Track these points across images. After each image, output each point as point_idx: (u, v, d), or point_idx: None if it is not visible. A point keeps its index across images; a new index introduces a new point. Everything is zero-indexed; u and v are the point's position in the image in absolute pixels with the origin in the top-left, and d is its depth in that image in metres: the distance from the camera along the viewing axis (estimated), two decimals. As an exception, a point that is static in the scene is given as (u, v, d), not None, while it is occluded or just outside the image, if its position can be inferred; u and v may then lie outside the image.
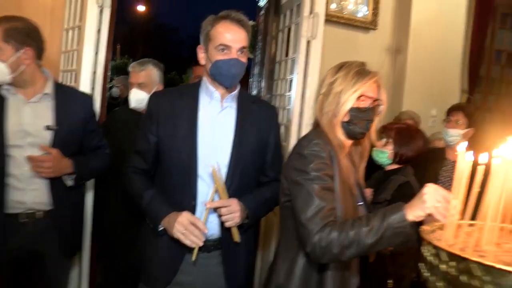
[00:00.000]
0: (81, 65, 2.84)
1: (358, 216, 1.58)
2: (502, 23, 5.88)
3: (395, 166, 2.61)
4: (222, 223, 1.98)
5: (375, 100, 1.78)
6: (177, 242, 1.94)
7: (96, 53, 2.84)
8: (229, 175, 2.02)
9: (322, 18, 3.11)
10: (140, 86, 3.01)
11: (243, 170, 2.05)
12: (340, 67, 1.79)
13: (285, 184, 1.76)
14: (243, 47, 1.98)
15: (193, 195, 2.00)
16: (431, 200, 1.38)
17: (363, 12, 4.86)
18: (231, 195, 1.98)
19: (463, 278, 1.07)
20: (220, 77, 1.99)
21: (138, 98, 2.96)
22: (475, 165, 1.23)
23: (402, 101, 4.90)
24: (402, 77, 4.96)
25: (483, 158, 1.22)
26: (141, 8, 30.02)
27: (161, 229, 1.98)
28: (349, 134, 1.79)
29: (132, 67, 3.11)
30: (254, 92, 4.38)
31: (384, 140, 2.63)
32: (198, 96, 2.07)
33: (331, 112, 1.76)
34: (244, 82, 4.84)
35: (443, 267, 1.14)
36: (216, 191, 1.96)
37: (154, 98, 2.12)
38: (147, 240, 2.11)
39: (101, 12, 2.83)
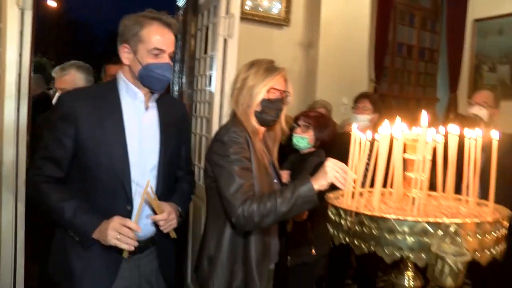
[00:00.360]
0: (5, 68, 2.82)
1: (274, 190, 1.86)
2: (401, 20, 6.47)
3: (310, 150, 2.91)
4: (154, 223, 1.98)
5: (283, 92, 2.07)
6: (111, 249, 1.84)
7: (20, 55, 2.82)
8: (160, 177, 2.00)
9: (237, 18, 3.34)
10: (64, 91, 2.90)
11: (170, 169, 2.07)
12: (252, 64, 2.07)
13: (209, 167, 2.01)
14: (172, 52, 1.97)
15: (129, 200, 1.91)
16: (331, 171, 1.70)
17: (277, 8, 5.17)
18: (161, 195, 1.98)
19: (357, 228, 1.36)
20: (152, 80, 1.91)
21: None
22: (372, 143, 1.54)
23: (315, 91, 5.29)
24: (315, 69, 5.35)
25: (369, 136, 1.52)
26: (52, 3, 28.69)
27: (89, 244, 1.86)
28: (262, 122, 2.07)
29: (54, 72, 3.09)
30: (176, 88, 4.55)
31: (301, 128, 2.92)
32: (119, 97, 1.95)
33: (245, 103, 2.04)
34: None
35: (342, 222, 1.43)
36: (147, 203, 1.94)
37: (68, 99, 1.91)
38: (74, 255, 1.91)
39: (22, 14, 2.82)
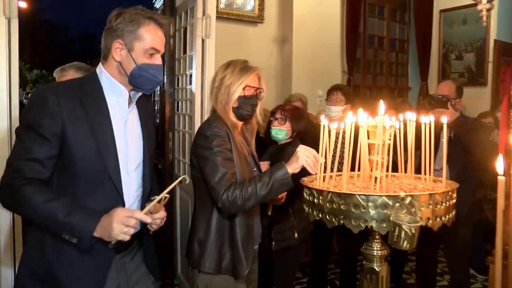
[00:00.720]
0: None
1: (254, 176, 2.08)
2: (371, 12, 6.72)
3: (287, 141, 3.12)
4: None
5: (257, 89, 2.30)
6: (100, 249, 1.77)
7: (9, 63, 2.96)
8: (145, 175, 1.97)
9: (213, 19, 3.52)
10: None
11: (151, 168, 2.04)
12: (228, 65, 2.30)
13: (194, 160, 2.22)
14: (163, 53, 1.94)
15: (121, 200, 1.84)
16: (302, 156, 1.95)
17: (251, 5, 5.36)
18: (148, 193, 1.98)
19: (328, 205, 1.58)
20: (144, 80, 1.84)
21: None
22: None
23: (291, 84, 5.51)
24: (289, 64, 5.57)
25: (334, 125, 1.73)
26: (22, 4, 28.26)
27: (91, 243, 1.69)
28: (239, 117, 2.29)
29: (55, 73, 3.11)
30: (157, 87, 4.72)
31: (278, 121, 3.12)
32: (103, 94, 1.85)
33: (224, 100, 2.25)
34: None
35: (315, 201, 1.65)
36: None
37: (51, 95, 1.72)
38: (55, 261, 1.77)
39: (9, 22, 2.93)
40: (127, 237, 1.63)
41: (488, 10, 2.29)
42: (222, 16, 4.97)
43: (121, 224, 1.61)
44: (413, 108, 5.00)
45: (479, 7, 2.33)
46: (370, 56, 6.88)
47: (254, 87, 2.28)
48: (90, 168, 1.76)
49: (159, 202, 1.77)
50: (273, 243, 2.90)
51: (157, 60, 1.86)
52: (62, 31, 37.98)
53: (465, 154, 3.30)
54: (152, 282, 2.05)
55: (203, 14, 3.55)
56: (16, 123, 2.99)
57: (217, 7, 4.68)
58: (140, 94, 1.95)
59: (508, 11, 6.28)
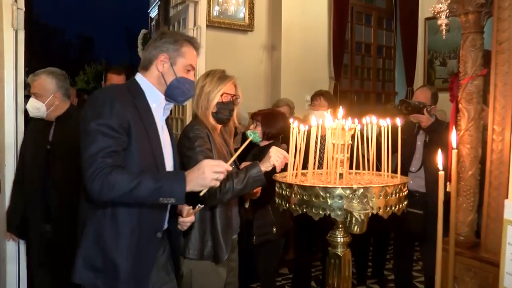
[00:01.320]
0: (4, 86, 3.20)
1: (231, 173, 2.33)
2: (358, 20, 6.98)
3: (266, 142, 3.36)
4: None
5: (233, 96, 2.57)
6: (153, 238, 2.02)
7: (16, 71, 3.21)
8: None
9: (204, 29, 3.79)
10: (36, 95, 3.09)
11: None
12: (207, 74, 2.57)
13: (178, 159, 2.44)
14: None
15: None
16: (274, 156, 2.22)
17: (243, 12, 5.61)
18: None
19: (293, 196, 1.84)
20: (179, 92, 2.09)
21: (33, 107, 3.07)
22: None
23: (280, 90, 5.76)
24: (278, 70, 5.82)
25: (303, 128, 1.98)
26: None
27: (202, 194, 1.93)
28: (218, 120, 2.56)
29: (28, 78, 3.28)
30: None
31: (253, 124, 3.39)
32: (148, 101, 2.05)
33: (204, 106, 2.52)
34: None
35: (284, 193, 1.90)
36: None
37: (116, 95, 1.93)
38: (114, 247, 1.92)
39: (16, 34, 3.17)
40: (218, 183, 1.87)
41: (446, 25, 2.54)
42: (214, 25, 5.22)
43: (212, 172, 1.83)
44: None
45: (439, 21, 2.59)
46: (358, 62, 7.12)
47: (230, 94, 2.55)
48: (144, 167, 1.94)
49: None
50: (254, 237, 3.15)
51: (192, 76, 2.13)
52: (59, 35, 38.05)
53: (445, 161, 3.54)
54: (171, 278, 2.26)
55: (194, 24, 3.81)
56: (21, 129, 3.24)
57: (209, 16, 4.95)
58: (171, 105, 2.19)
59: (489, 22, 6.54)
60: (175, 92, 2.09)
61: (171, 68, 2.06)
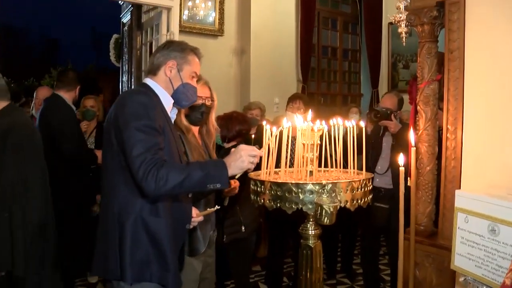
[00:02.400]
0: None
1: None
2: (324, 25, 7.21)
3: (232, 143, 3.49)
4: None
5: (205, 98, 2.69)
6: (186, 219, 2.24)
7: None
8: None
9: (177, 35, 3.92)
10: None
11: None
12: None
13: None
14: None
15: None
16: (246, 160, 2.24)
17: (212, 16, 5.76)
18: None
19: (268, 192, 2.00)
20: (184, 97, 2.24)
21: None
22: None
23: (250, 93, 5.93)
24: (248, 74, 6.00)
25: (276, 130, 2.15)
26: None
27: (238, 176, 2.07)
28: (191, 122, 2.68)
29: None
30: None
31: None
32: (163, 105, 2.19)
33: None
34: (116, 90, 5.51)
35: (257, 189, 2.07)
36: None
37: (149, 99, 2.06)
38: (164, 239, 2.05)
39: None
40: (253, 166, 2.01)
41: (406, 33, 2.75)
42: (185, 30, 5.34)
43: (249, 156, 1.97)
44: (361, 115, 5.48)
45: (399, 29, 2.80)
46: (324, 65, 7.35)
47: (202, 97, 2.65)
48: None
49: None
50: (225, 236, 3.29)
51: (195, 83, 2.29)
52: (22, 36, 37.08)
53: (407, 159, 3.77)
54: None
55: (167, 30, 3.94)
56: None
57: (180, 21, 5.07)
58: (175, 110, 2.34)
59: (442, 32, 6.86)
60: (180, 96, 2.23)
61: (178, 74, 2.20)
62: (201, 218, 2.33)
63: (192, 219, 2.28)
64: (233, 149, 2.03)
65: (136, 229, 2.00)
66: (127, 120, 1.96)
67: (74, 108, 3.86)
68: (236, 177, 2.07)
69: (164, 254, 2.03)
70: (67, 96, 3.76)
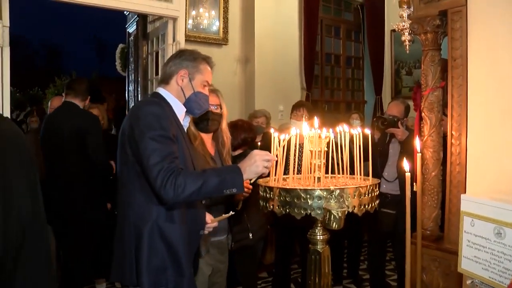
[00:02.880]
0: None
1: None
2: (327, 33, 7.28)
3: (238, 152, 3.51)
4: None
5: (214, 106, 2.73)
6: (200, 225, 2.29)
7: (2, 88, 3.33)
8: None
9: (183, 45, 3.97)
10: None
11: None
12: None
13: None
14: None
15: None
16: (260, 165, 2.29)
17: (216, 25, 5.84)
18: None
19: (277, 198, 2.04)
20: (196, 105, 2.28)
21: None
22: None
23: (254, 101, 5.98)
24: (252, 82, 6.06)
25: (283, 137, 2.20)
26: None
27: (253, 181, 2.15)
28: (200, 129, 2.74)
29: None
30: (132, 105, 5.13)
31: None
32: (176, 114, 2.23)
33: None
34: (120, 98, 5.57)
35: (266, 195, 2.11)
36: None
37: (161, 109, 2.11)
38: (180, 244, 2.10)
39: (1, 51, 3.31)
40: (267, 171, 2.07)
41: (410, 41, 2.81)
42: (190, 39, 5.40)
43: (263, 161, 2.03)
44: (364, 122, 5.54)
45: (403, 38, 2.86)
46: (328, 72, 7.41)
47: (211, 105, 2.66)
48: None
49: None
50: (232, 243, 3.33)
51: (207, 91, 2.33)
52: (26, 45, 37.21)
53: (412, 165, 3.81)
54: None
55: (173, 40, 3.99)
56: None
57: (185, 30, 5.14)
58: (188, 117, 2.39)
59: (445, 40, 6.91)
60: (192, 105, 2.28)
61: (189, 83, 2.25)
62: (215, 224, 2.37)
63: (207, 225, 2.32)
64: (248, 156, 2.06)
65: (153, 237, 2.05)
66: (142, 131, 2.00)
67: None
68: (252, 181, 2.13)
69: (179, 260, 2.07)
70: (81, 105, 3.82)
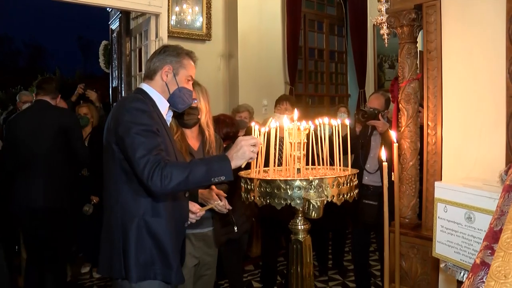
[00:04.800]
0: None
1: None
2: (310, 27, 7.33)
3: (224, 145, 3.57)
4: None
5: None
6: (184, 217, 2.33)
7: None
8: None
9: (166, 40, 3.99)
10: None
11: None
12: None
13: None
14: None
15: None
16: (247, 150, 2.19)
17: (199, 21, 5.86)
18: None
19: (257, 189, 2.09)
20: (180, 100, 2.30)
21: None
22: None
23: (238, 96, 6.02)
24: (236, 77, 6.09)
25: (264, 129, 2.24)
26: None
27: (244, 166, 2.11)
28: (181, 125, 2.77)
29: None
30: (115, 102, 5.14)
31: None
32: (159, 109, 2.25)
33: None
34: (107, 93, 5.58)
35: (247, 187, 2.16)
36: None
37: (142, 103, 2.12)
38: (164, 237, 2.13)
39: None
40: (255, 155, 2.07)
41: (388, 34, 2.87)
42: (173, 35, 5.41)
43: (250, 146, 2.03)
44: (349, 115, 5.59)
45: (382, 31, 2.92)
46: (311, 67, 7.46)
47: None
48: None
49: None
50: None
51: (190, 86, 2.35)
52: (8, 43, 36.73)
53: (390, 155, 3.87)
54: None
55: (156, 36, 4.01)
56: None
57: (168, 27, 5.15)
58: (171, 112, 2.39)
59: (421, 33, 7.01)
60: (176, 100, 2.31)
61: (174, 78, 2.28)
62: (203, 213, 2.44)
63: (197, 214, 2.41)
64: (234, 143, 2.07)
65: (140, 232, 2.09)
66: (127, 127, 2.03)
67: None
68: (243, 166, 2.13)
69: (166, 254, 2.11)
70: (52, 103, 3.81)
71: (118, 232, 2.11)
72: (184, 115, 2.75)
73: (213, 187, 2.79)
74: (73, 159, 3.82)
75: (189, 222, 2.39)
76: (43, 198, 3.61)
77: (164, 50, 2.31)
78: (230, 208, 2.76)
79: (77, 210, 4.05)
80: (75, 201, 3.86)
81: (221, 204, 2.69)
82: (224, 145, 3.51)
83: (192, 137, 2.87)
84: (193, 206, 2.44)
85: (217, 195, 2.73)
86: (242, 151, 2.04)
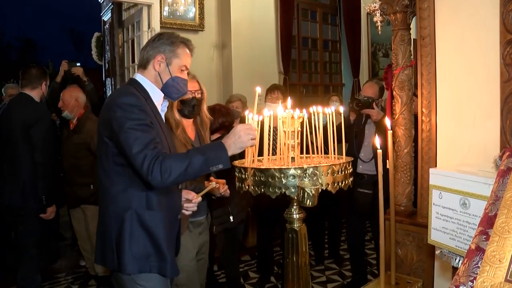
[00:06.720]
0: None
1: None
2: (304, 16, 7.29)
3: (216, 136, 3.56)
4: None
5: (195, 91, 2.77)
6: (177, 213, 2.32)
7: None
8: None
9: (158, 31, 3.96)
10: None
11: None
12: None
13: None
14: None
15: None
16: (246, 138, 2.17)
17: (192, 12, 5.82)
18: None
19: (252, 178, 2.08)
20: (174, 90, 2.26)
21: None
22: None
23: (232, 85, 6.01)
24: (230, 67, 6.07)
25: (256, 118, 2.23)
26: None
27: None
28: (184, 115, 2.78)
29: None
30: (109, 93, 5.10)
31: None
32: (153, 100, 2.23)
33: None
34: (101, 85, 5.55)
35: (242, 176, 2.15)
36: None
37: (135, 97, 2.10)
38: (159, 233, 2.13)
39: None
40: (254, 142, 2.06)
41: (381, 21, 2.85)
42: (166, 26, 5.38)
43: (248, 134, 2.03)
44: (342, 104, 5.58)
45: (375, 19, 2.89)
46: (305, 56, 7.44)
47: (191, 91, 2.72)
48: None
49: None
50: (214, 227, 3.38)
51: (185, 75, 2.30)
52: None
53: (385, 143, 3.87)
54: None
55: (148, 27, 3.98)
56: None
57: (161, 17, 5.12)
58: (167, 102, 2.37)
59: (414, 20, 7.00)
60: (170, 90, 2.26)
61: (166, 68, 2.22)
62: (200, 199, 2.43)
63: (193, 201, 2.41)
64: (232, 131, 2.07)
65: (133, 225, 2.08)
66: (120, 123, 2.01)
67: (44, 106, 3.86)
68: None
69: (160, 247, 2.11)
70: (34, 93, 3.68)
71: (110, 225, 2.11)
72: (195, 106, 2.79)
73: (211, 177, 2.80)
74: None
75: (187, 213, 2.40)
76: (9, 196, 3.58)
77: (158, 38, 2.26)
78: (228, 192, 2.77)
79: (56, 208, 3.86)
80: (48, 199, 3.67)
81: (217, 187, 2.71)
82: (219, 135, 3.51)
83: (188, 126, 2.87)
84: (189, 194, 2.43)
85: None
86: (241, 141, 2.03)
